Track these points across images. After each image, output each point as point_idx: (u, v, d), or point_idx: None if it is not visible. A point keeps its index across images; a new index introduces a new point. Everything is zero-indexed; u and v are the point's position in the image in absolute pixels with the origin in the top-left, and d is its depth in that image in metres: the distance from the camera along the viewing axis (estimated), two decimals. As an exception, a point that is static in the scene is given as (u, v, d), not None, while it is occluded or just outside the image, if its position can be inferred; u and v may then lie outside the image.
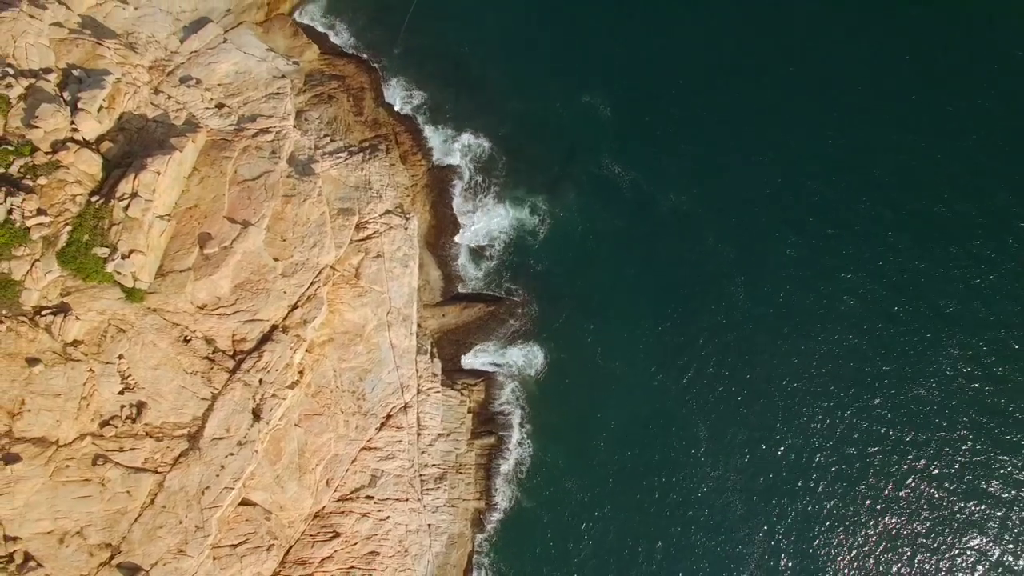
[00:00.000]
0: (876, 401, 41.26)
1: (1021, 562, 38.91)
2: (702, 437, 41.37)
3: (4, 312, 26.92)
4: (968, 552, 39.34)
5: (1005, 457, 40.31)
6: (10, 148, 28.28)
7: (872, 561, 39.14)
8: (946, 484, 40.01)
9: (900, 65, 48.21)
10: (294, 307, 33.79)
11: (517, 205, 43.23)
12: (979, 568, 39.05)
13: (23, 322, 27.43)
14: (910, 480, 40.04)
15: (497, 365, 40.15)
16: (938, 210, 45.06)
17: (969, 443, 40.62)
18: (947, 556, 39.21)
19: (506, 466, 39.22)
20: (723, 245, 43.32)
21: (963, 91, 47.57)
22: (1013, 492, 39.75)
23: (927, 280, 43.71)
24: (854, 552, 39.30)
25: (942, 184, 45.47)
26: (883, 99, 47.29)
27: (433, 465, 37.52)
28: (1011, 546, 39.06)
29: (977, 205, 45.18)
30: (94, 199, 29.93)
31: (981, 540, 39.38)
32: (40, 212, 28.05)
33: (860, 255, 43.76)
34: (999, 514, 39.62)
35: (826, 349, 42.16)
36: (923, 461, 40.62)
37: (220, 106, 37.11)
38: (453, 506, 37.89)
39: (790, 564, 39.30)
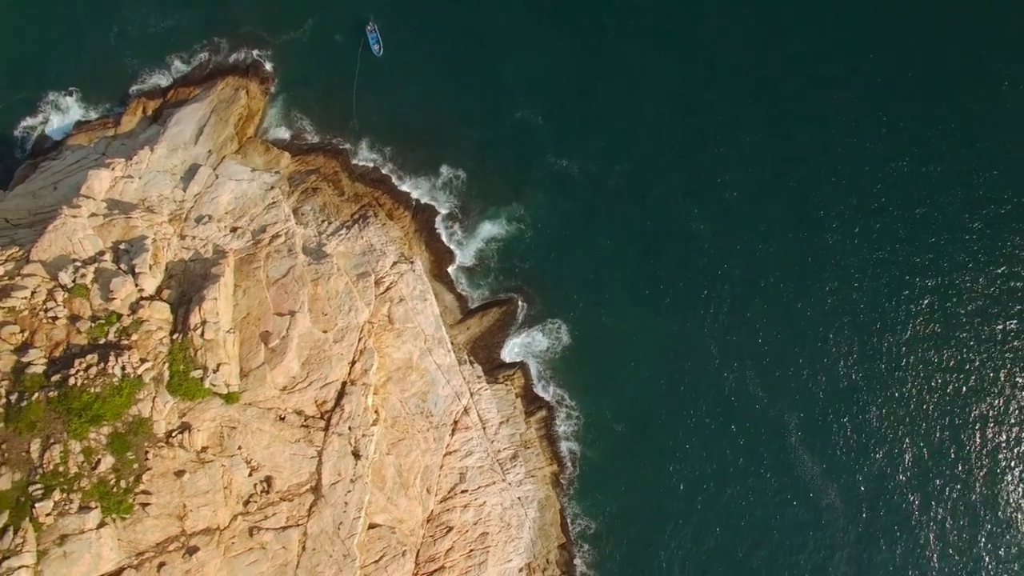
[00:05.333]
0: (846, 304, 49.26)
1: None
2: (715, 352, 48.50)
3: (147, 444, 34.18)
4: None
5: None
6: (102, 321, 35.54)
7: (880, 432, 47.32)
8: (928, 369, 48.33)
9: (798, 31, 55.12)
10: (353, 363, 40.51)
11: (495, 219, 49.25)
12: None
13: (162, 446, 34.61)
14: (888, 363, 48.51)
15: (525, 351, 46.81)
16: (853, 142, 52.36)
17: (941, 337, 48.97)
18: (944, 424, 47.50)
19: (563, 429, 45.71)
20: (672, 197, 49.82)
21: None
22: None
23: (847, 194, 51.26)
24: (856, 421, 47.39)
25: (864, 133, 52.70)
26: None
27: (504, 449, 44.30)
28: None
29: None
30: (175, 336, 37.08)
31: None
32: (143, 361, 35.16)
33: (782, 195, 51.07)
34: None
35: (782, 270, 49.78)
36: (897, 337, 48.94)
37: (234, 229, 44.04)
38: (532, 476, 44.57)
39: (813, 427, 47.06)
